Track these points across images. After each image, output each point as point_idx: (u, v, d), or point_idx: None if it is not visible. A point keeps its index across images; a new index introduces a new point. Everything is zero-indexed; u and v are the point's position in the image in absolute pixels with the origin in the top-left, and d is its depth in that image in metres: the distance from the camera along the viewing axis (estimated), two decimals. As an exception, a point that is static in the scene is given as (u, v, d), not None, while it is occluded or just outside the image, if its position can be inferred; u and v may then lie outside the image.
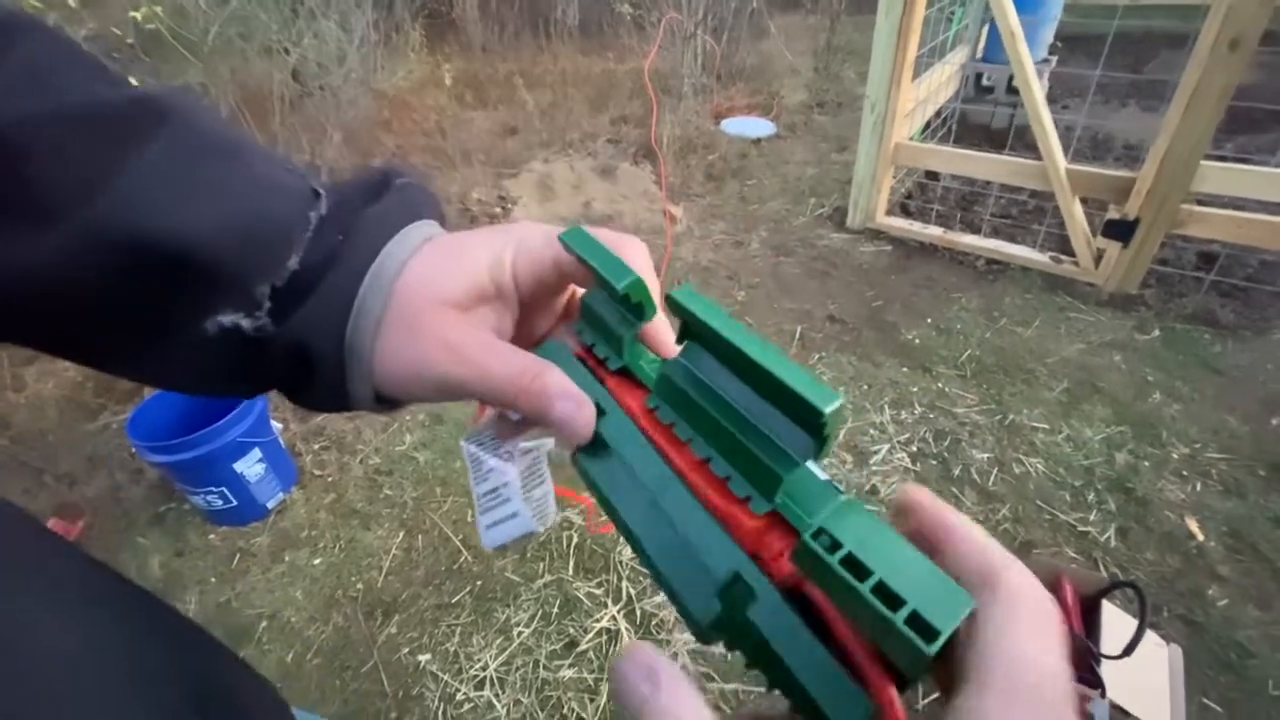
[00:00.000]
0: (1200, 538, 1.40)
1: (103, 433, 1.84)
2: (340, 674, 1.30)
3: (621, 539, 0.21)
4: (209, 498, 1.50)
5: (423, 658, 1.31)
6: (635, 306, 0.25)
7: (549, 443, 0.30)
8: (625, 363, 0.26)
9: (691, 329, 0.23)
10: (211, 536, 1.58)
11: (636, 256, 0.28)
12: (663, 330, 0.29)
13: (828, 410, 0.18)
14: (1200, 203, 1.88)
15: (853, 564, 0.16)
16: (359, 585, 1.45)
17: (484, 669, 1.28)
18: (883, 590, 0.16)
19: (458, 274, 0.27)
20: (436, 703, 1.24)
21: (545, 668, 1.27)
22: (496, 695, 1.24)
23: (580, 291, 0.31)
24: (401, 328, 0.26)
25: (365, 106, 3.37)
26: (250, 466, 1.51)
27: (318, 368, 0.26)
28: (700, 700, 0.17)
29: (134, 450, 1.49)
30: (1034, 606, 0.16)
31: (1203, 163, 1.77)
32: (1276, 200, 1.82)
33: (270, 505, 1.60)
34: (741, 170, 3.04)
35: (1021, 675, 0.15)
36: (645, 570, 0.22)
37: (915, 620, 0.15)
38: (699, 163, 3.09)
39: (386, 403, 0.29)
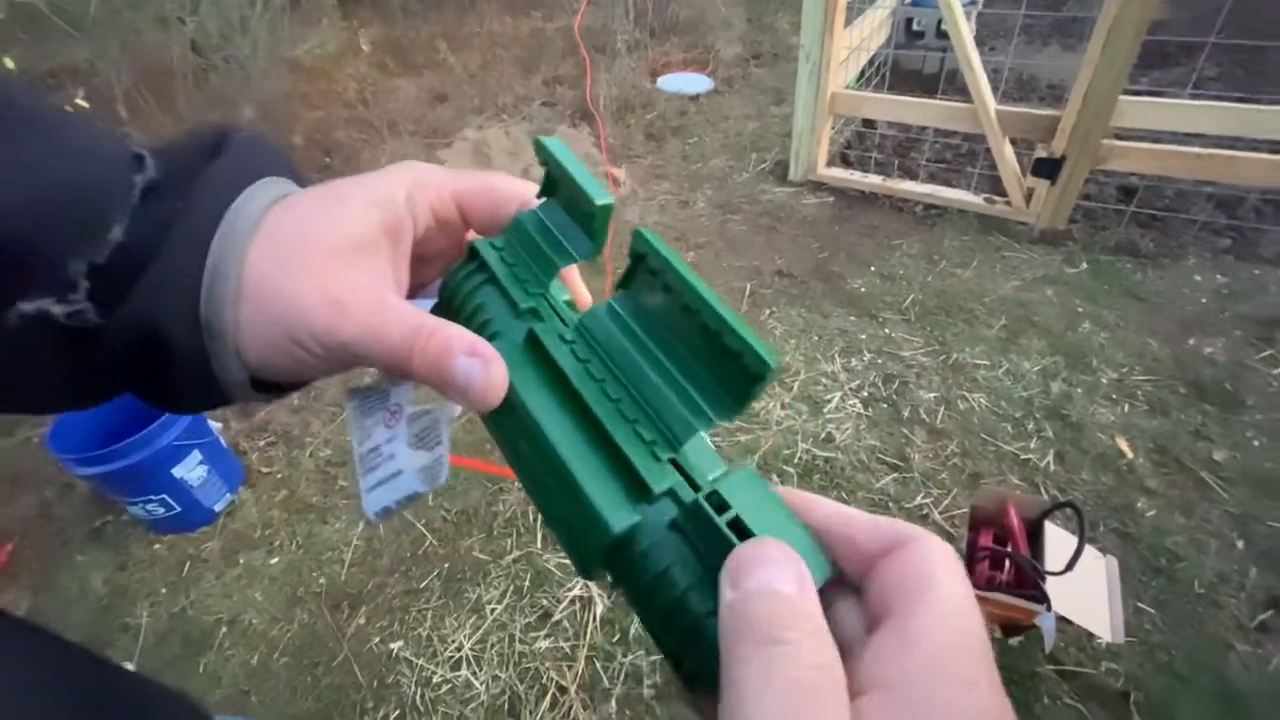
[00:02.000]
0: (1130, 455, 1.50)
1: (23, 448, 1.72)
2: (310, 671, 1.28)
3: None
4: (149, 506, 1.43)
5: (395, 645, 1.29)
6: (591, 233, 0.24)
7: (453, 410, 0.27)
8: (544, 293, 0.25)
9: (649, 269, 0.21)
10: (157, 546, 1.51)
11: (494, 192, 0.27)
12: (578, 276, 0.28)
13: (774, 365, 0.18)
14: (1120, 137, 1.95)
15: (738, 527, 0.18)
16: (321, 580, 1.41)
17: (459, 649, 1.28)
18: None
19: (337, 219, 0.23)
20: (413, 688, 1.23)
21: (521, 641, 1.28)
22: (474, 673, 1.24)
23: (476, 237, 0.28)
24: (268, 288, 0.22)
25: (279, 79, 3.15)
26: (191, 470, 1.43)
27: (174, 354, 0.22)
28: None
29: (60, 464, 1.39)
30: (946, 550, 0.18)
31: (1121, 98, 1.83)
32: (1189, 132, 1.91)
33: (218, 508, 1.53)
34: (682, 128, 3.00)
35: (945, 602, 0.16)
36: (538, 496, 0.22)
37: None
38: (638, 122, 3.03)
39: (270, 387, 0.25)
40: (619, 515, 0.19)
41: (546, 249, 0.25)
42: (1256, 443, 1.50)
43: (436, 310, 0.27)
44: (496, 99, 3.21)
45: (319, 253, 0.22)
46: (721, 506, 0.18)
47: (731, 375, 0.19)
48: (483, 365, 0.22)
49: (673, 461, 0.20)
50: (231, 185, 0.23)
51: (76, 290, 0.21)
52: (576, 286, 0.28)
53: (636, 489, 0.19)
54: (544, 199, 0.26)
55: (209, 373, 0.23)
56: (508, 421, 0.23)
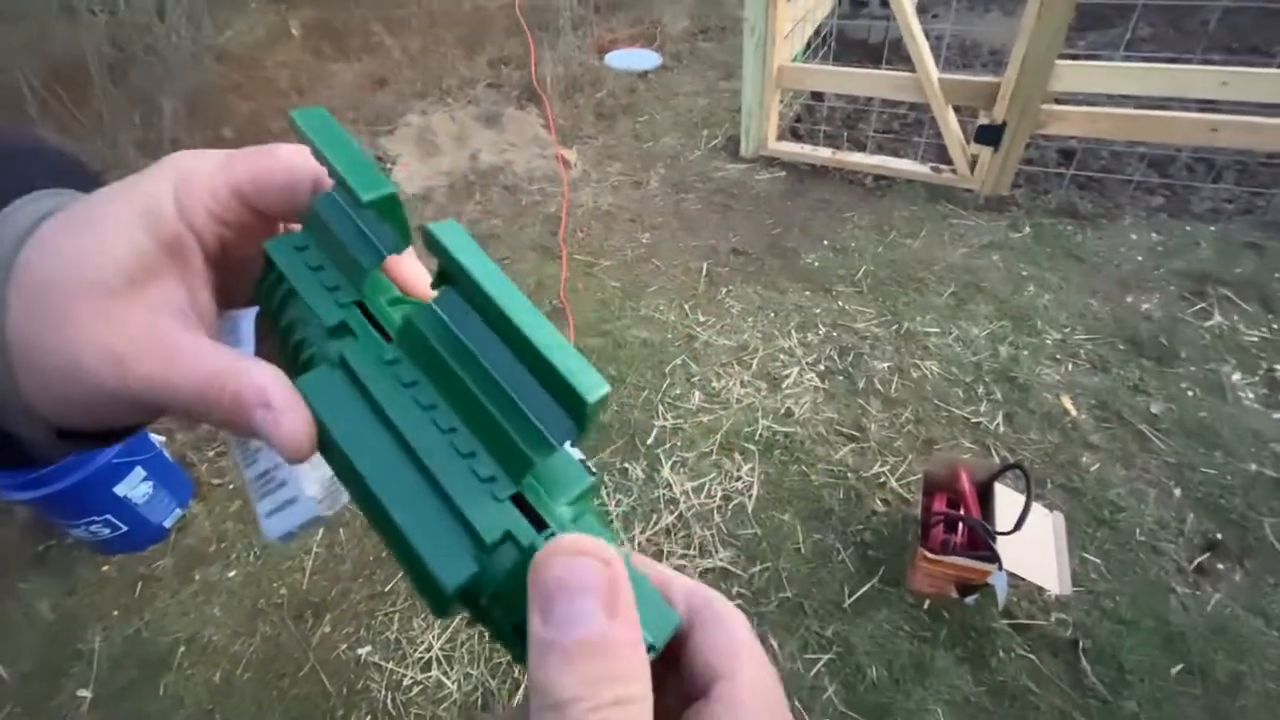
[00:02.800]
0: (1074, 413, 1.55)
1: (-49, 475, 1.63)
2: (277, 684, 1.25)
3: None
4: (93, 528, 1.37)
5: (362, 651, 1.28)
6: (382, 228, 0.20)
7: None
8: (363, 298, 0.21)
9: (448, 274, 0.19)
10: (106, 568, 1.45)
11: (289, 169, 0.22)
12: (413, 264, 0.23)
13: (592, 400, 0.16)
14: (1058, 101, 1.99)
15: None
16: (282, 591, 1.38)
17: (428, 650, 1.27)
18: None
19: (97, 251, 0.19)
20: (384, 692, 1.22)
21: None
22: (445, 674, 1.23)
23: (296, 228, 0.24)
24: (38, 350, 0.19)
25: (204, 69, 2.99)
26: (134, 488, 1.38)
27: None
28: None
29: (-8, 490, 1.33)
30: (745, 624, 0.20)
31: (1058, 62, 1.86)
32: (1123, 93, 1.96)
33: (168, 524, 1.48)
34: (632, 106, 2.95)
35: (760, 669, 0.19)
36: (381, 531, 0.19)
37: None
38: (587, 102, 2.97)
39: (84, 437, 0.22)
40: (453, 571, 0.17)
41: (349, 246, 0.20)
42: (1190, 394, 1.57)
43: (261, 319, 0.24)
44: (440, 82, 3.10)
45: (84, 297, 0.19)
46: None
47: (564, 398, 0.17)
48: (274, 420, 0.19)
49: (518, 497, 0.18)
50: None
51: None
52: (409, 279, 0.23)
53: (473, 536, 0.18)
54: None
55: (3, 433, 0.20)
56: (334, 461, 0.20)
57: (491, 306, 0.18)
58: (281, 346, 0.22)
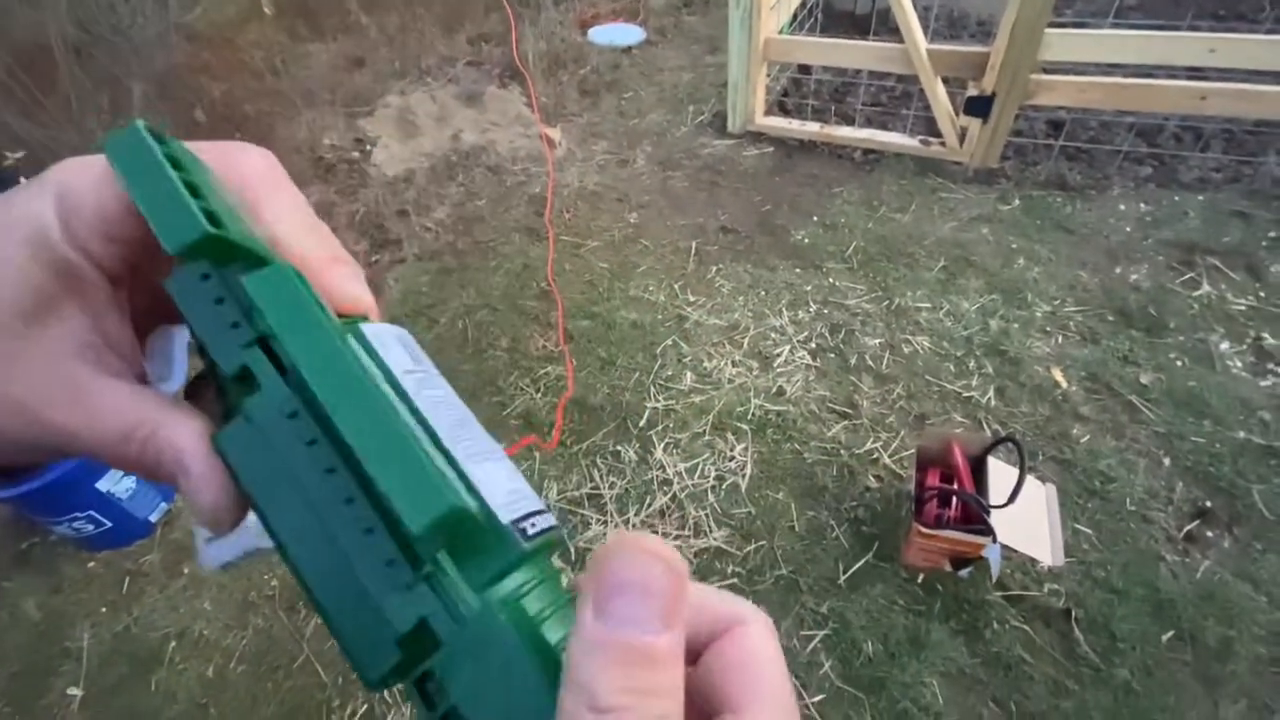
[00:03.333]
0: (1064, 385, 1.56)
1: (-74, 475, 1.59)
2: (271, 675, 1.24)
3: None
4: (76, 524, 1.34)
5: (357, 640, 1.26)
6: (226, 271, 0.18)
7: None
8: (263, 332, 0.18)
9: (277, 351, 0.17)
10: (92, 564, 1.43)
11: (267, 187, 0.19)
12: (335, 270, 0.20)
13: (418, 530, 0.14)
14: (1047, 71, 1.96)
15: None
16: (273, 583, 1.37)
17: (423, 638, 1.26)
18: None
19: None
20: (379, 681, 1.21)
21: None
22: (441, 660, 1.23)
23: None
24: None
25: (174, 50, 2.90)
26: (117, 483, 1.35)
27: None
28: None
29: (-30, 488, 1.30)
30: (771, 632, 0.18)
31: (1047, 31, 1.84)
32: (1111, 62, 1.94)
33: (154, 519, 1.46)
34: (616, 83, 2.89)
35: (777, 694, 0.16)
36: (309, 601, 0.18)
37: None
38: (570, 79, 2.91)
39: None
40: (374, 664, 0.16)
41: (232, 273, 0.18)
42: (1179, 363, 1.57)
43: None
44: (419, 61, 3.03)
45: None
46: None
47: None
48: (193, 490, 0.17)
49: (429, 577, 0.16)
50: None
51: None
52: (332, 289, 0.20)
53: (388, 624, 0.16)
54: None
55: None
56: (261, 520, 0.18)
57: (317, 408, 0.16)
58: (213, 374, 0.19)
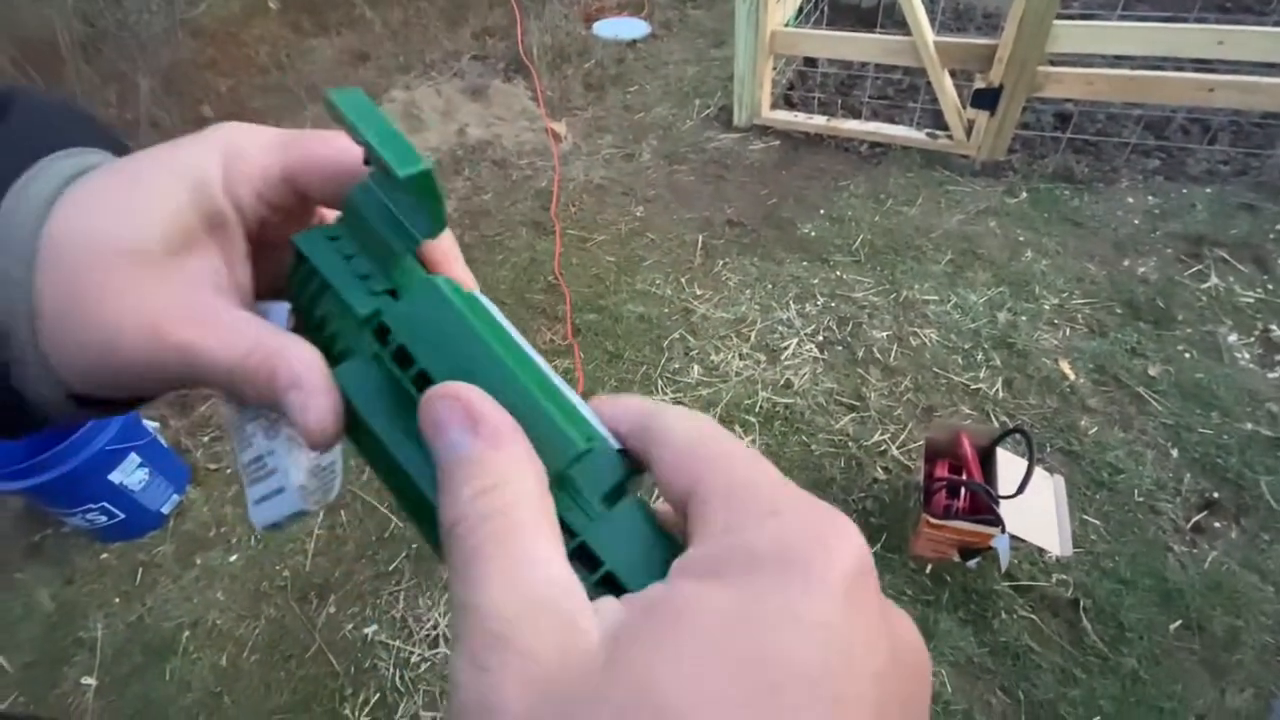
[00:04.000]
0: (1072, 377, 1.56)
1: (-60, 467, 1.60)
2: (284, 664, 1.25)
3: None
4: (89, 516, 1.35)
5: (369, 630, 1.28)
6: (419, 208, 0.20)
7: None
8: (395, 285, 0.21)
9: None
10: (105, 555, 1.44)
11: (336, 156, 0.21)
12: (447, 244, 0.22)
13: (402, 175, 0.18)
14: (1054, 64, 1.96)
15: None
16: (285, 573, 1.38)
17: (435, 627, 1.27)
18: None
19: (142, 211, 0.19)
20: (391, 670, 1.22)
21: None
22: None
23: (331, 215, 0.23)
24: (69, 298, 0.18)
25: (180, 45, 2.90)
26: (129, 474, 1.36)
27: None
28: (536, 460, 0.16)
29: (-16, 480, 1.31)
30: (692, 423, 0.18)
31: (1055, 23, 1.83)
32: (1119, 53, 1.93)
33: (166, 510, 1.47)
34: (621, 76, 2.89)
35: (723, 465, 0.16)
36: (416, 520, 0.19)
37: None
38: (576, 72, 2.90)
39: (96, 404, 0.21)
40: None
41: (383, 232, 0.20)
42: (1187, 355, 1.57)
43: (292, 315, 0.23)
44: (423, 55, 3.02)
45: (122, 263, 0.18)
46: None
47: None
48: (303, 402, 0.18)
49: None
50: (16, 159, 0.19)
51: None
52: (440, 260, 0.23)
53: None
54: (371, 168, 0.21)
55: (12, 393, 0.19)
56: (366, 449, 0.19)
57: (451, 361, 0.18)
58: (314, 341, 0.21)
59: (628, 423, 0.18)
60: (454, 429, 0.16)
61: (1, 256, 0.18)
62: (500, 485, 0.15)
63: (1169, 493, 1.34)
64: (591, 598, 0.14)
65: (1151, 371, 1.55)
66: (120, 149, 0.22)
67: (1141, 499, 1.33)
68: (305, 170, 0.21)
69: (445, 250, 0.23)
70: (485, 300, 0.21)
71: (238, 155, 0.20)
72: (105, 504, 1.35)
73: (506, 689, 0.12)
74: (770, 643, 0.12)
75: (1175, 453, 1.40)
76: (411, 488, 0.18)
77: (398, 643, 1.25)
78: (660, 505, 0.18)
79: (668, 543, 0.17)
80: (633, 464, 0.19)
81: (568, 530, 0.17)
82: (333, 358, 0.20)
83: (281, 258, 0.22)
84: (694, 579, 0.14)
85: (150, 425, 1.49)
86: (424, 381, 0.18)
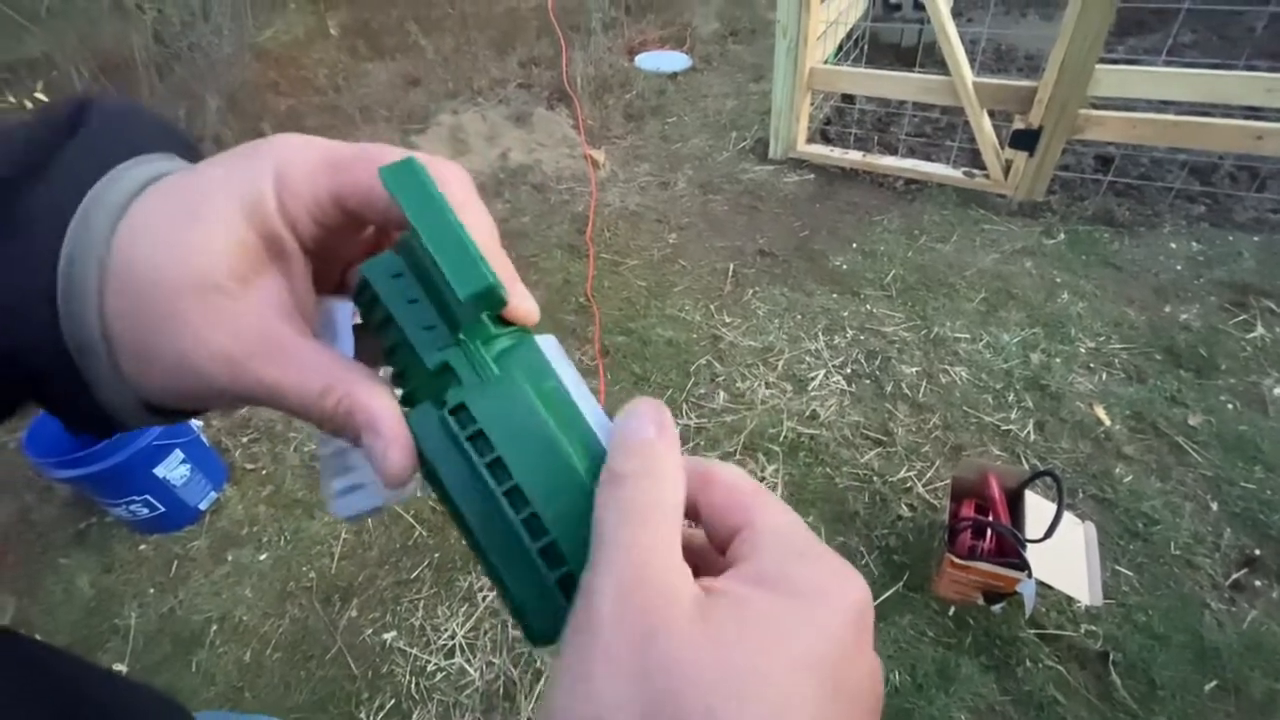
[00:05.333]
0: (1107, 423, 1.52)
1: (0, 454, 1.69)
2: (304, 664, 1.28)
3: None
4: (132, 507, 1.41)
5: (388, 636, 1.30)
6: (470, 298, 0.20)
7: None
8: (458, 342, 0.21)
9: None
10: (143, 547, 1.49)
11: (465, 202, 0.21)
12: (518, 298, 0.22)
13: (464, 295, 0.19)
14: (1096, 107, 1.95)
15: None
16: (311, 574, 1.41)
17: (452, 638, 1.28)
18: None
19: (200, 246, 0.19)
20: (408, 677, 1.24)
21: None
22: (468, 661, 1.25)
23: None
24: (147, 335, 0.19)
25: (245, 67, 3.07)
26: (173, 469, 1.42)
27: (47, 384, 0.20)
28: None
29: (38, 469, 1.38)
30: (739, 475, 0.21)
31: (1097, 67, 1.83)
32: (1163, 99, 1.92)
33: (203, 506, 1.52)
34: (661, 108, 2.96)
35: (768, 513, 0.20)
36: (483, 564, 0.21)
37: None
38: (617, 103, 2.99)
39: (168, 412, 0.22)
40: (542, 614, 0.20)
41: (444, 293, 0.20)
42: (1230, 406, 1.53)
43: (359, 327, 0.24)
44: (471, 82, 3.15)
45: (192, 296, 0.19)
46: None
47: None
48: (382, 449, 0.19)
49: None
50: (85, 171, 0.20)
51: None
52: (517, 304, 0.22)
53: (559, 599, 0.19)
54: None
55: (92, 400, 0.21)
56: (436, 491, 0.21)
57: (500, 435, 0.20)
58: (382, 357, 0.22)
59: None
60: (642, 420, 0.21)
61: (80, 269, 0.19)
62: (663, 474, 0.20)
63: (1207, 547, 1.29)
64: None
65: (1192, 421, 1.51)
66: (192, 152, 0.23)
67: (1178, 552, 1.29)
68: (353, 196, 0.21)
69: (505, 278, 0.23)
70: (553, 353, 0.22)
71: (289, 176, 0.20)
72: (148, 497, 1.41)
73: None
74: (800, 635, 0.17)
75: (1215, 506, 1.35)
76: (475, 546, 0.20)
77: (415, 650, 1.27)
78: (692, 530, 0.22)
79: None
80: None
81: None
82: (403, 393, 0.22)
83: (335, 262, 0.23)
84: (747, 583, 0.18)
85: (194, 424, 1.56)
86: (497, 465, 0.19)
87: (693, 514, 0.21)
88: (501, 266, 0.21)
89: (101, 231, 0.19)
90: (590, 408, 0.21)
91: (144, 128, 0.22)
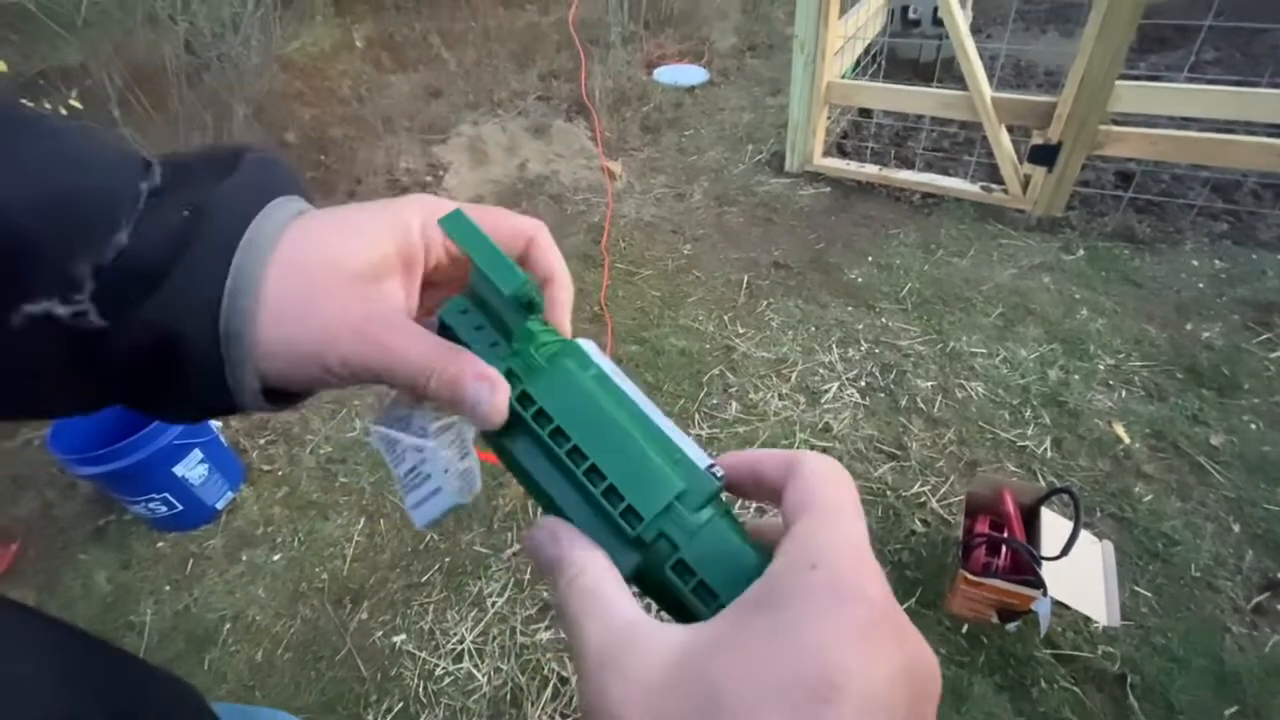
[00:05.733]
0: (1127, 441, 1.50)
1: (25, 450, 1.73)
2: (314, 665, 1.29)
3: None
4: (151, 505, 1.44)
5: (397, 639, 1.30)
6: (526, 304, 0.25)
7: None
8: (515, 353, 0.26)
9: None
10: (160, 544, 1.52)
11: (511, 229, 0.27)
12: (561, 308, 0.28)
13: (648, 514, 0.22)
14: (1116, 123, 1.94)
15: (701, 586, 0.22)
16: (324, 576, 1.42)
17: (460, 642, 1.29)
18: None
19: (359, 243, 0.25)
20: (416, 680, 1.24)
21: (522, 633, 1.29)
22: (476, 666, 1.25)
23: None
24: (292, 312, 0.23)
25: (272, 76, 3.14)
26: (192, 469, 1.44)
27: (189, 361, 0.23)
28: (598, 550, 0.22)
29: (62, 465, 1.41)
30: (827, 465, 0.22)
31: (1117, 83, 1.83)
32: (1185, 115, 1.90)
33: (219, 506, 1.54)
34: (678, 120, 2.99)
35: (832, 505, 0.20)
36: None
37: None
38: (634, 115, 3.02)
39: (277, 397, 0.26)
40: (623, 559, 0.22)
41: (500, 312, 0.26)
42: (1253, 426, 1.50)
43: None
44: (491, 94, 3.19)
45: (340, 279, 0.24)
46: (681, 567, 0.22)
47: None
48: (490, 388, 0.23)
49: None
50: (250, 202, 0.24)
51: (81, 291, 0.21)
52: (560, 319, 0.29)
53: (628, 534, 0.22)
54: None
55: (222, 381, 0.24)
56: (512, 466, 0.25)
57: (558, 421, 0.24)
58: None
59: (771, 463, 0.23)
60: (545, 548, 0.22)
61: (246, 274, 0.23)
62: (581, 571, 0.21)
63: (1229, 570, 1.27)
64: (692, 606, 0.21)
65: (1214, 441, 1.48)
66: (309, 198, 0.28)
67: (1198, 574, 1.26)
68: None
69: (557, 305, 0.29)
70: (594, 352, 0.26)
71: (435, 214, 0.26)
72: (167, 495, 1.43)
73: (611, 700, 0.18)
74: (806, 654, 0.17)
75: (1237, 528, 1.33)
76: (542, 491, 0.24)
77: (424, 654, 1.28)
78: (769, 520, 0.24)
79: (751, 551, 0.22)
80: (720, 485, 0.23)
81: (674, 545, 0.22)
82: None
83: (437, 294, 0.28)
84: (742, 613, 0.19)
85: (214, 424, 1.58)
86: (558, 433, 0.23)
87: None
88: (570, 295, 0.30)
89: (263, 248, 0.23)
90: (626, 384, 0.26)
91: (283, 176, 0.27)
